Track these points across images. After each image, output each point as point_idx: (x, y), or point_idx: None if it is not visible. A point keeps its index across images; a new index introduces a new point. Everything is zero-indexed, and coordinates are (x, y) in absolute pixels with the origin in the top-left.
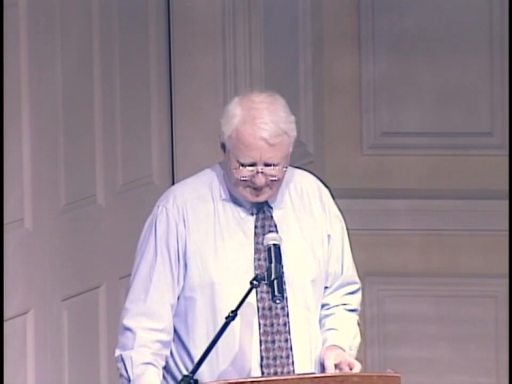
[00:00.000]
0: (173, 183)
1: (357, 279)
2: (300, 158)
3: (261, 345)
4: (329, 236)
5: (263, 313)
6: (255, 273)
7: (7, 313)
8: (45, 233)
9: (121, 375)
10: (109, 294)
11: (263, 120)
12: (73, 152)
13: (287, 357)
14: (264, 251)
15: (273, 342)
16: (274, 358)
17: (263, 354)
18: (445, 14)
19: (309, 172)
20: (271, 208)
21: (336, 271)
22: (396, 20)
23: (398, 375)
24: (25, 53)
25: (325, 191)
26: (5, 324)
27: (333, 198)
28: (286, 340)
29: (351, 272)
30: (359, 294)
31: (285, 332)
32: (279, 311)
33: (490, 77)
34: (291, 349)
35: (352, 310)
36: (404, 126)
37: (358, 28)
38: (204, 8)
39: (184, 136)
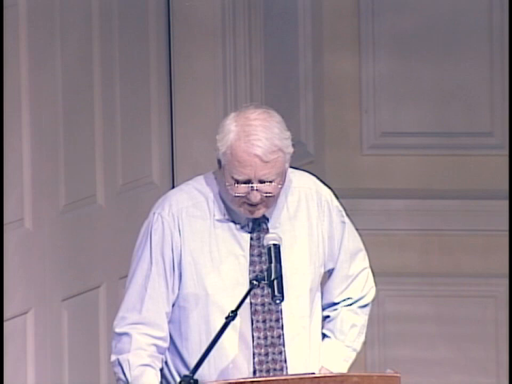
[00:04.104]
0: (173, 183)
1: (361, 287)
2: (300, 158)
3: (254, 358)
4: (329, 237)
5: (256, 326)
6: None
7: (7, 313)
8: (45, 233)
9: (118, 379)
10: (109, 294)
11: (257, 137)
12: (73, 152)
13: (281, 369)
14: (260, 263)
15: (266, 354)
16: (268, 371)
17: (256, 367)
18: (445, 14)
19: (309, 172)
20: (267, 219)
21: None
22: (396, 20)
23: (398, 375)
24: (25, 53)
25: (325, 191)
26: (5, 324)
27: (336, 197)
28: (280, 352)
29: (347, 267)
30: (369, 297)
31: (279, 344)
32: (273, 323)
33: (490, 77)
34: (285, 361)
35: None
36: (404, 126)
37: (358, 28)
38: (204, 8)
39: (184, 136)
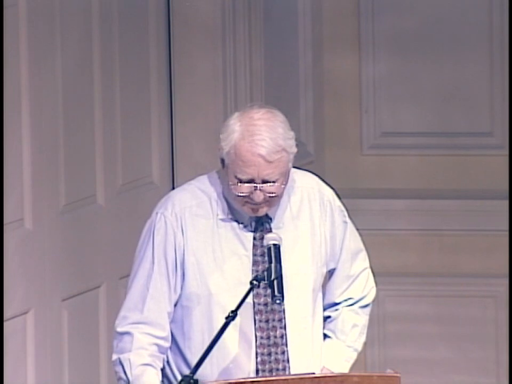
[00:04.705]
0: (173, 183)
1: (363, 287)
2: (300, 158)
3: (257, 357)
4: (331, 237)
5: (259, 325)
6: None
7: (7, 313)
8: (45, 233)
9: (119, 378)
10: (109, 294)
11: (261, 137)
12: (73, 152)
13: (284, 369)
14: (263, 262)
15: (269, 354)
16: (271, 371)
17: (259, 366)
18: (445, 14)
19: (311, 172)
20: (270, 219)
21: (336, 268)
22: (395, 20)
23: (398, 375)
24: (25, 53)
25: (327, 191)
26: (5, 324)
27: (338, 197)
28: (283, 352)
29: (348, 267)
30: (369, 297)
31: (282, 344)
32: (276, 323)
33: (490, 77)
34: (288, 361)
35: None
36: (404, 126)
37: (358, 28)
38: (204, 8)
39: (184, 136)
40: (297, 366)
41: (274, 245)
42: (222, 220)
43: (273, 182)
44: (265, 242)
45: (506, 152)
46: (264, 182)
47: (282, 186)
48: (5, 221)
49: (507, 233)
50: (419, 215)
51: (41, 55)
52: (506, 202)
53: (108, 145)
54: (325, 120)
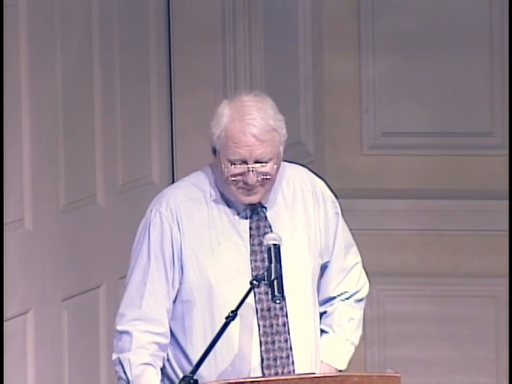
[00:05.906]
0: (173, 183)
1: (356, 281)
2: (300, 158)
3: (261, 346)
4: (325, 228)
5: (262, 314)
6: (252, 274)
7: (7, 313)
8: (45, 233)
9: (119, 378)
10: (109, 294)
11: (252, 117)
12: (73, 152)
13: (287, 357)
14: (261, 252)
15: (273, 343)
16: (275, 359)
17: (264, 355)
18: (445, 14)
19: (302, 165)
20: (265, 208)
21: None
22: (396, 20)
23: (398, 375)
24: (25, 53)
25: (319, 182)
26: (5, 324)
27: (330, 188)
28: (286, 340)
29: (342, 259)
30: (363, 292)
31: (284, 332)
32: (278, 311)
33: (490, 77)
34: (291, 349)
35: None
36: (404, 126)
37: (358, 28)
38: (204, 8)
39: (184, 136)
40: (300, 354)
41: (274, 245)
42: (218, 212)
43: (266, 162)
44: (265, 242)
45: (506, 152)
46: (257, 162)
47: (275, 166)
48: (5, 221)
49: (507, 233)
50: (419, 215)
51: (41, 55)
52: (506, 202)
53: (108, 145)
54: (325, 120)
